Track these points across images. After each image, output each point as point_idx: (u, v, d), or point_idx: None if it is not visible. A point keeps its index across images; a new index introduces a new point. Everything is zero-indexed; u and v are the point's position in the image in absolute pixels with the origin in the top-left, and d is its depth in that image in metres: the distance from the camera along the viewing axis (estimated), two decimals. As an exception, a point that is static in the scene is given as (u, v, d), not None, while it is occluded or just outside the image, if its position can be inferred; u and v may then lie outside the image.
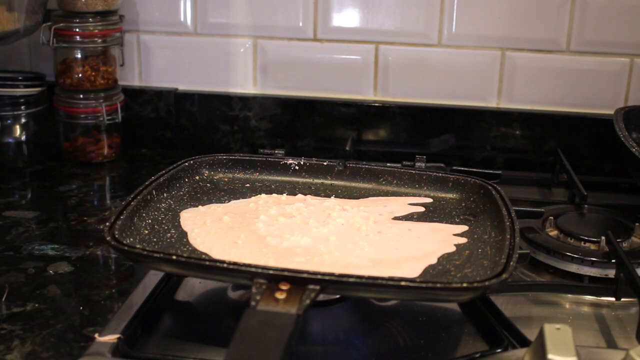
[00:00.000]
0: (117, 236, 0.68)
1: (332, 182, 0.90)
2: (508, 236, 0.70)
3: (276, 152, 0.93)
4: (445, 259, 0.71)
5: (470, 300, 0.72)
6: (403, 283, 0.60)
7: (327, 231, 0.76)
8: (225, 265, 0.62)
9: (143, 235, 0.73)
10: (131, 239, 0.71)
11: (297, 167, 0.91)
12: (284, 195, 0.86)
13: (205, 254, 0.71)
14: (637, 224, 0.91)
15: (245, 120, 1.24)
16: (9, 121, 1.14)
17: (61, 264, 0.85)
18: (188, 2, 1.22)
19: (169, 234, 0.75)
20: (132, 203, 0.75)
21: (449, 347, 0.69)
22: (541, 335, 0.57)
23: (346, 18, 1.20)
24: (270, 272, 0.60)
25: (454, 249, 0.73)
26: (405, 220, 0.81)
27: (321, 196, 0.87)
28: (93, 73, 1.16)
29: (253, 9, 1.21)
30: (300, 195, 0.87)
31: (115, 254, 0.86)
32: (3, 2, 1.04)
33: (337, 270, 0.61)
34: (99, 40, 1.15)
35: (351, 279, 0.60)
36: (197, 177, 0.88)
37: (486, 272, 0.67)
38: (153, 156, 1.24)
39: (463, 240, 0.75)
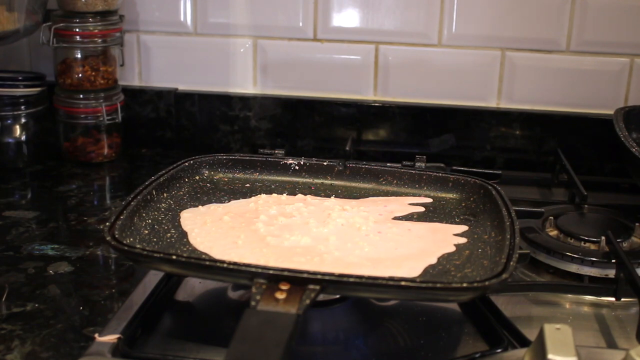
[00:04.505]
0: (117, 236, 0.67)
1: (332, 182, 0.90)
2: (508, 236, 0.70)
3: (276, 152, 0.93)
4: (445, 259, 0.71)
5: (470, 300, 0.72)
6: (403, 283, 0.60)
7: (327, 231, 0.76)
8: (225, 265, 0.62)
9: (143, 235, 0.73)
10: (131, 239, 0.71)
11: (297, 167, 0.91)
12: (284, 195, 0.86)
13: (205, 254, 0.71)
14: (637, 224, 0.91)
15: (245, 120, 1.24)
16: (9, 121, 1.14)
17: (61, 264, 0.85)
18: (188, 2, 1.22)
19: (169, 234, 0.75)
20: (132, 203, 0.75)
21: (449, 347, 0.69)
22: (541, 335, 0.57)
23: (346, 18, 1.20)
24: (270, 272, 0.60)
25: (454, 249, 0.73)
26: (405, 220, 0.81)
27: (321, 196, 0.87)
28: (93, 73, 1.16)
29: (253, 9, 1.21)
30: (300, 195, 0.87)
31: (115, 254, 0.86)
32: (3, 2, 1.04)
33: (337, 270, 0.61)
34: (99, 40, 1.15)
35: (351, 279, 0.60)
36: (197, 177, 0.88)
37: (486, 272, 0.67)
38: (153, 156, 1.24)
39: (463, 240, 0.75)
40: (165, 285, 0.76)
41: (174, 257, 0.64)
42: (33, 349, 0.68)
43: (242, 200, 0.85)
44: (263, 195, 0.86)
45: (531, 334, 0.64)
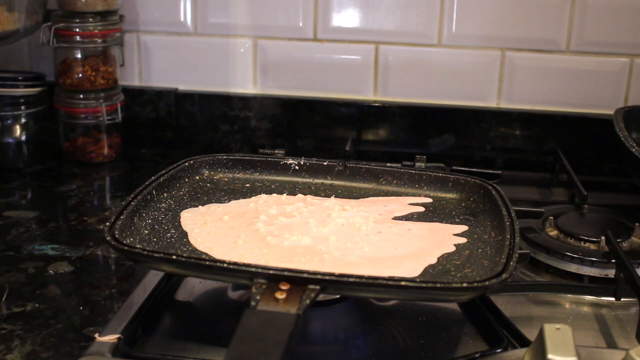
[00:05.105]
0: (117, 236, 0.68)
1: (332, 182, 0.90)
2: (508, 236, 0.70)
3: (276, 152, 0.93)
4: (445, 258, 0.71)
5: (470, 300, 0.72)
6: (403, 283, 0.60)
7: (327, 231, 0.76)
8: (225, 265, 0.62)
9: (143, 235, 0.73)
10: (131, 239, 0.71)
11: (297, 167, 0.91)
12: (284, 195, 0.86)
13: (206, 254, 0.71)
14: (637, 224, 0.91)
15: (245, 120, 1.24)
16: (9, 121, 1.14)
17: (61, 264, 0.85)
18: (188, 2, 1.22)
19: (169, 234, 0.75)
20: (132, 203, 0.75)
21: (449, 347, 0.69)
22: (541, 335, 0.57)
23: (346, 18, 1.20)
24: (270, 272, 0.60)
25: (453, 248, 0.73)
26: (405, 220, 0.81)
27: (321, 196, 0.87)
28: (93, 73, 1.16)
29: (253, 9, 1.21)
30: (300, 195, 0.87)
31: (115, 254, 0.86)
32: (3, 2, 1.04)
33: (337, 270, 0.61)
34: (99, 40, 1.15)
35: (351, 279, 0.60)
36: (197, 177, 0.88)
37: (486, 272, 0.67)
38: (153, 156, 1.24)
39: (463, 240, 0.75)
40: (165, 285, 0.76)
41: (174, 257, 0.64)
42: (33, 349, 0.68)
43: (242, 200, 0.85)
44: (263, 195, 0.86)
45: (531, 334, 0.64)
